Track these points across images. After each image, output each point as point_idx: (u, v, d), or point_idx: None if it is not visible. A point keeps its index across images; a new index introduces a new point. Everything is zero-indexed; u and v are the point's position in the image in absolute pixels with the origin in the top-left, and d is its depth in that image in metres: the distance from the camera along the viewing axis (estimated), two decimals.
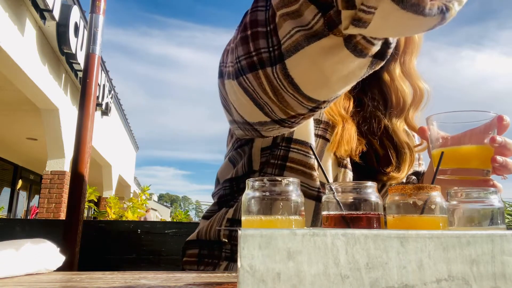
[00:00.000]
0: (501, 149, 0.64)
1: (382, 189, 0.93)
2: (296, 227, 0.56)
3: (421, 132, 0.71)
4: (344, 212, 0.58)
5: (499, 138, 0.62)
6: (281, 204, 0.55)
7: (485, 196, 0.61)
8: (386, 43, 0.48)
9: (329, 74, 0.49)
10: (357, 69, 0.49)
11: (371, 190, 0.59)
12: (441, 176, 0.65)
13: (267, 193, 0.56)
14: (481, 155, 0.64)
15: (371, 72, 0.54)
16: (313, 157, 0.86)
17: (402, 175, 0.90)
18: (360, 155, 0.87)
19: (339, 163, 0.86)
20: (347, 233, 0.40)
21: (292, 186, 0.57)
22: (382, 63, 0.52)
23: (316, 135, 0.82)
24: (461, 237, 0.43)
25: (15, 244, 0.64)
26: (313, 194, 0.76)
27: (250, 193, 0.57)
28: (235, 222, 0.86)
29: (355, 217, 0.58)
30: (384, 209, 0.61)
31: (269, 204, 0.55)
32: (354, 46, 0.46)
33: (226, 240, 0.87)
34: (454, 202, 0.62)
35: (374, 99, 0.91)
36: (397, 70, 0.90)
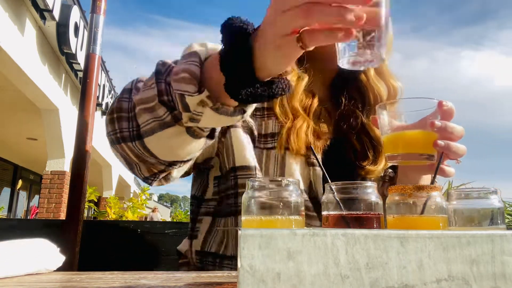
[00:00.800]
0: (444, 134, 0.65)
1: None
2: (296, 227, 0.56)
3: (373, 121, 0.74)
4: (344, 212, 0.58)
5: (437, 122, 0.64)
6: (281, 204, 0.55)
7: (485, 196, 0.61)
8: (213, 128, 0.70)
9: (175, 149, 0.69)
10: (196, 144, 0.69)
11: (371, 190, 0.59)
12: (391, 161, 0.68)
13: (267, 193, 0.56)
14: (423, 140, 0.65)
15: (209, 144, 0.73)
16: (313, 157, 0.86)
17: (378, 168, 0.93)
18: (333, 151, 0.90)
19: (307, 163, 0.89)
20: (347, 233, 0.40)
21: (292, 186, 0.57)
22: (213, 140, 0.73)
23: (268, 148, 0.88)
24: (461, 237, 0.43)
25: (15, 244, 0.64)
26: None
27: (250, 193, 0.57)
28: (205, 255, 0.91)
29: (355, 217, 0.58)
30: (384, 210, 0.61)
31: (269, 204, 0.55)
32: (192, 133, 0.66)
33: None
34: (454, 202, 0.62)
35: (351, 97, 0.97)
36: (371, 70, 0.95)
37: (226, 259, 0.88)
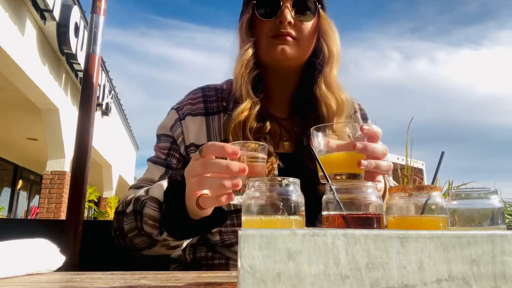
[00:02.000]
0: (368, 153, 0.72)
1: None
2: (296, 227, 0.56)
3: (311, 142, 0.80)
4: (344, 212, 0.58)
5: (358, 144, 0.70)
6: (281, 204, 0.55)
7: (485, 196, 0.61)
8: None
9: (164, 253, 0.90)
10: (178, 248, 0.89)
11: (371, 190, 0.59)
12: (323, 180, 0.72)
13: (267, 193, 0.56)
14: (348, 161, 0.71)
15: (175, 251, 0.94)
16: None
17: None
18: (292, 168, 0.95)
19: None
20: (347, 233, 0.40)
21: (292, 186, 0.57)
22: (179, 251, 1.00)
23: None
24: (461, 237, 0.43)
25: (15, 244, 0.64)
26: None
27: (250, 193, 0.57)
28: (197, 245, 1.00)
29: (355, 217, 0.57)
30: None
31: (269, 204, 0.55)
32: (167, 247, 0.87)
33: (192, 262, 1.01)
34: (455, 202, 0.62)
35: (307, 114, 1.03)
36: (322, 84, 1.01)
37: (218, 253, 0.96)
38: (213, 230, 0.94)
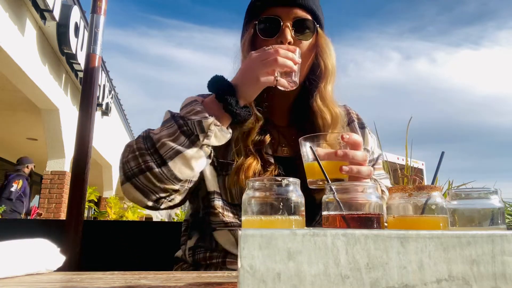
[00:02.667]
0: (349, 160, 0.79)
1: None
2: (296, 227, 0.56)
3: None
4: (344, 212, 0.58)
5: (339, 152, 0.79)
6: (281, 204, 0.55)
7: (485, 196, 0.61)
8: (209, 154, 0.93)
9: (193, 164, 0.90)
10: (204, 162, 0.92)
11: (371, 190, 0.59)
12: (311, 185, 0.80)
13: (267, 193, 0.56)
14: (331, 167, 0.77)
15: (208, 163, 0.96)
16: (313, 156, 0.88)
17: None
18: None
19: None
20: (347, 233, 0.40)
21: (292, 186, 0.57)
22: (209, 161, 0.96)
23: (228, 175, 1.02)
24: (461, 237, 0.43)
25: (15, 244, 0.64)
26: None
27: (250, 193, 0.57)
28: (197, 248, 1.03)
29: (355, 217, 0.58)
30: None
31: (269, 204, 0.55)
32: (204, 150, 0.91)
33: (192, 263, 1.04)
34: (455, 202, 0.62)
35: (304, 125, 1.08)
36: (318, 99, 1.08)
37: (215, 251, 1.00)
38: (215, 211, 0.99)
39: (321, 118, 1.07)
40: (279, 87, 0.93)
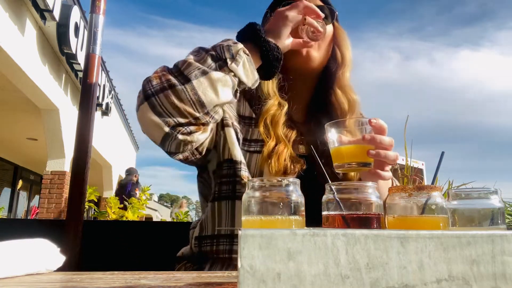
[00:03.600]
0: (375, 144, 0.81)
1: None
2: (296, 227, 0.56)
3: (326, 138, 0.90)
4: (344, 212, 0.58)
5: (366, 135, 0.81)
6: (281, 204, 0.55)
7: (485, 196, 0.61)
8: (235, 92, 0.91)
9: (217, 89, 0.85)
10: (228, 92, 0.88)
11: (371, 190, 0.59)
12: (337, 170, 0.83)
13: (267, 193, 0.56)
14: (359, 151, 0.80)
15: (233, 101, 0.92)
16: (315, 155, 0.88)
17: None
18: (307, 175, 0.98)
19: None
20: (347, 233, 0.40)
21: (292, 186, 0.57)
22: (235, 100, 0.93)
23: (250, 151, 1.02)
24: (461, 237, 0.43)
25: (15, 244, 0.64)
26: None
27: (250, 193, 0.57)
28: (203, 238, 1.00)
29: (355, 217, 0.58)
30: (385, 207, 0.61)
31: (269, 204, 0.55)
32: (230, 77, 0.87)
33: (199, 256, 1.02)
34: (455, 202, 0.62)
35: (321, 122, 1.06)
36: (336, 85, 1.11)
37: (222, 238, 0.97)
38: (243, 181, 0.97)
39: (339, 108, 1.09)
40: (305, 39, 0.98)
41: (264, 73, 0.95)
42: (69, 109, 6.84)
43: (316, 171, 0.99)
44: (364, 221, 0.57)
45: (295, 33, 0.98)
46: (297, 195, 0.57)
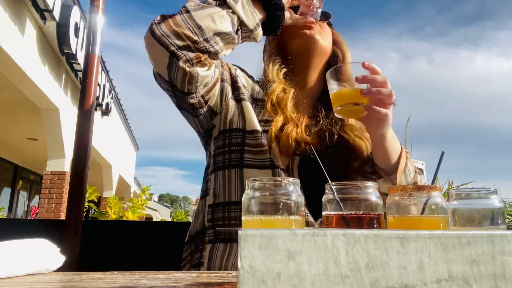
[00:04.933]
0: (369, 83, 0.85)
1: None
2: (296, 227, 0.56)
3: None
4: (344, 212, 0.58)
5: (359, 76, 0.85)
6: (281, 204, 0.55)
7: (485, 196, 0.61)
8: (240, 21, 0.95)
9: (215, 19, 0.90)
10: (228, 25, 0.92)
11: (371, 190, 0.59)
12: (337, 114, 0.90)
13: (267, 193, 0.56)
14: (354, 93, 0.86)
15: (229, 47, 0.97)
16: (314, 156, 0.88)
17: (357, 163, 1.03)
18: (308, 168, 0.98)
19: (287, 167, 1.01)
20: (347, 233, 0.40)
21: (292, 186, 0.57)
22: (233, 46, 0.98)
23: (263, 131, 1.02)
24: (461, 237, 0.43)
25: (15, 244, 0.64)
26: (266, 165, 0.99)
27: (250, 193, 0.57)
28: (216, 206, 1.02)
29: (355, 217, 0.58)
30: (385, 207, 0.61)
31: (269, 204, 0.55)
32: (229, 13, 0.93)
33: (210, 224, 1.02)
34: (455, 202, 0.62)
35: (327, 116, 1.10)
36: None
37: (233, 205, 0.99)
38: (263, 148, 0.99)
39: None
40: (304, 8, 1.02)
41: (268, 25, 0.99)
42: (69, 109, 6.84)
43: (320, 166, 0.99)
44: (364, 221, 0.57)
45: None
46: (297, 195, 0.57)
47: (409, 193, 0.59)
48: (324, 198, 0.60)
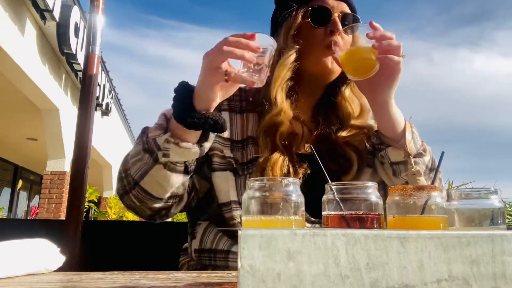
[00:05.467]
0: (379, 38, 0.87)
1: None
2: (296, 227, 0.56)
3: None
4: (344, 212, 0.58)
5: (370, 33, 0.87)
6: (281, 204, 0.55)
7: (485, 196, 0.61)
8: (186, 166, 0.91)
9: (162, 183, 0.90)
10: (176, 178, 0.90)
11: (371, 190, 0.59)
12: (349, 75, 0.93)
13: (267, 193, 0.56)
14: (362, 49, 0.90)
15: (186, 178, 0.94)
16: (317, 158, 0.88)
17: (349, 177, 1.01)
18: (312, 175, 0.97)
19: None
20: (347, 233, 0.40)
21: (292, 186, 0.57)
22: (189, 175, 0.94)
23: (250, 173, 0.98)
24: (461, 237, 0.43)
25: (15, 244, 0.64)
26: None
27: (250, 193, 0.57)
28: (201, 251, 1.01)
29: (355, 217, 0.57)
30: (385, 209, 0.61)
31: (269, 204, 0.55)
32: (169, 167, 0.88)
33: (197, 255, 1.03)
34: (455, 202, 0.62)
35: (329, 119, 1.09)
36: (347, 91, 1.10)
37: (218, 253, 0.98)
38: (234, 221, 0.96)
39: (345, 114, 1.07)
40: (239, 85, 0.87)
41: (209, 131, 0.90)
42: (69, 109, 6.84)
43: (322, 168, 0.98)
44: (364, 221, 0.57)
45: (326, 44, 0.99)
46: (297, 195, 0.57)
47: (409, 193, 0.59)
48: (324, 198, 0.60)
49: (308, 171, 0.97)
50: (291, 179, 0.57)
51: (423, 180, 0.93)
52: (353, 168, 1.02)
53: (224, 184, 0.99)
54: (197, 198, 1.05)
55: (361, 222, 0.57)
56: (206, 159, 1.00)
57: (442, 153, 0.70)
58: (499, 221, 0.59)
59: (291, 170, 0.96)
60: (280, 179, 0.57)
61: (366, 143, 1.07)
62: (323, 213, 0.60)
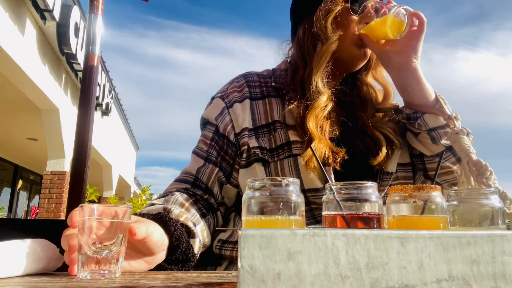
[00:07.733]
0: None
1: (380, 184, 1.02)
2: (296, 227, 0.56)
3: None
4: (344, 212, 0.58)
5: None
6: (281, 204, 0.55)
7: (485, 196, 0.61)
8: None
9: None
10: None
11: (371, 190, 0.59)
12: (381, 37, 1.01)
13: (267, 193, 0.56)
14: (390, 16, 0.98)
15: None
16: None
17: (380, 158, 1.01)
18: (343, 161, 0.97)
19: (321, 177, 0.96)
20: (347, 233, 0.40)
21: (292, 187, 0.57)
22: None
23: (280, 159, 0.97)
24: (461, 237, 0.43)
25: (15, 244, 0.64)
26: None
27: (250, 193, 0.57)
28: (226, 242, 1.00)
29: (355, 217, 0.57)
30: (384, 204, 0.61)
31: (269, 204, 0.55)
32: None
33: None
34: (455, 202, 0.62)
35: (354, 102, 1.10)
36: (368, 77, 1.14)
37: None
38: None
39: (369, 98, 1.10)
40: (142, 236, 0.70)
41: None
42: (69, 109, 6.84)
43: (352, 149, 1.00)
44: (364, 221, 0.57)
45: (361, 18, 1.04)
46: (297, 195, 0.57)
47: (409, 193, 0.59)
48: (324, 198, 0.60)
49: (346, 156, 0.96)
50: (291, 179, 0.57)
51: (466, 140, 0.92)
52: (382, 151, 1.01)
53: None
54: (228, 204, 1.07)
55: (361, 222, 0.57)
56: (237, 142, 1.01)
57: (442, 152, 0.70)
58: (499, 221, 0.59)
59: (330, 155, 0.95)
60: (280, 179, 0.57)
61: (394, 124, 1.08)
62: (323, 213, 0.60)
